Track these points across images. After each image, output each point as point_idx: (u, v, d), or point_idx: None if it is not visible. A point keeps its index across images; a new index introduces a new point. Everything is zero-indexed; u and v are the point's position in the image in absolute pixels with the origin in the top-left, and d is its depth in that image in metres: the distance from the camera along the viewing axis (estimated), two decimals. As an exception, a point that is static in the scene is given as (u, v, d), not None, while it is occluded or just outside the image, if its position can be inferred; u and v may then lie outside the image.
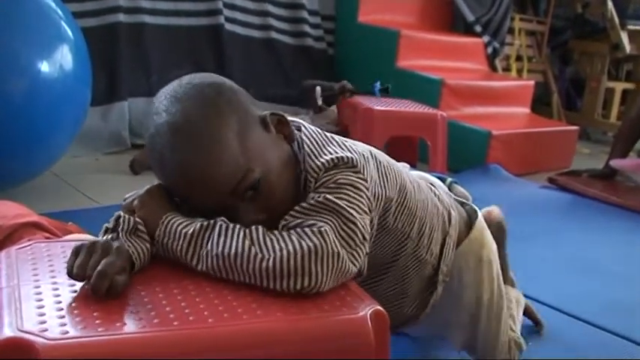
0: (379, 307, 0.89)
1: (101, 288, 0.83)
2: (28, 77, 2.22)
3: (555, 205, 3.20)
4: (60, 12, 2.38)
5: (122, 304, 0.84)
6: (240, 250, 0.89)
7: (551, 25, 5.26)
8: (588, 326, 1.86)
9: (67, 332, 0.76)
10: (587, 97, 5.23)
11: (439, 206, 1.28)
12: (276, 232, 0.93)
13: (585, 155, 4.44)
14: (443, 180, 1.79)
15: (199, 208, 0.98)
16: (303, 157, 1.03)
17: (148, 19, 3.48)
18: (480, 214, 1.40)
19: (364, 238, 0.96)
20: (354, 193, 0.99)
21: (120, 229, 0.94)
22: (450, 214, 1.30)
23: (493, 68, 4.65)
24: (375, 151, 1.14)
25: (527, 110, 4.30)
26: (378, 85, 3.40)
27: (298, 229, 0.92)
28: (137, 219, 0.96)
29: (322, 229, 0.91)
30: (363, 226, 0.96)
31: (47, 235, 1.34)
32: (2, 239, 1.28)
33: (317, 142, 1.04)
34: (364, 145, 1.13)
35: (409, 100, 3.35)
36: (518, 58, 5.04)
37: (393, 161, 1.18)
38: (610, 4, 4.94)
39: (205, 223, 0.93)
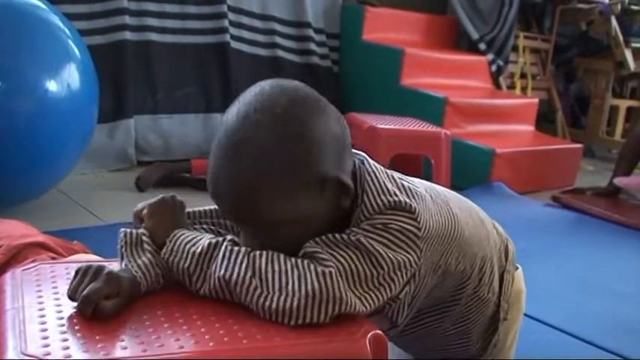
0: (378, 331, 0.89)
1: (84, 313, 0.84)
2: (36, 96, 2.23)
3: (559, 224, 3.20)
4: (67, 30, 2.40)
5: (125, 327, 0.84)
6: (241, 279, 0.89)
7: (556, 43, 5.27)
8: (591, 347, 1.86)
9: (69, 355, 0.77)
10: (592, 115, 5.23)
11: (497, 240, 1.23)
12: (282, 259, 0.90)
13: (590, 172, 4.44)
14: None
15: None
16: (362, 194, 0.97)
17: (154, 37, 3.51)
18: (519, 266, 1.37)
19: (390, 279, 0.92)
20: (401, 241, 0.94)
21: (123, 244, 0.95)
22: (507, 248, 1.26)
23: (497, 86, 4.66)
24: (433, 190, 1.09)
25: (531, 128, 4.30)
26: None
27: (306, 262, 0.89)
28: (143, 230, 0.96)
29: (327, 270, 0.88)
30: (391, 268, 0.92)
31: (52, 255, 1.34)
32: (8, 259, 1.29)
33: (378, 181, 0.98)
34: (423, 182, 1.09)
35: (413, 118, 3.36)
36: (523, 76, 5.05)
37: (448, 196, 1.13)
38: (614, 22, 4.95)
39: (213, 241, 0.93)
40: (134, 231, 0.96)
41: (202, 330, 0.85)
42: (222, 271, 0.90)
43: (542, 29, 5.34)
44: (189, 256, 0.92)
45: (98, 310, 0.84)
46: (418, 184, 1.05)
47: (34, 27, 2.30)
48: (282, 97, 0.93)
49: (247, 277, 0.88)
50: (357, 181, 0.99)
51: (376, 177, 0.99)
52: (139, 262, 0.92)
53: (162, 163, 3.12)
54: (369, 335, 0.88)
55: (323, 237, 0.93)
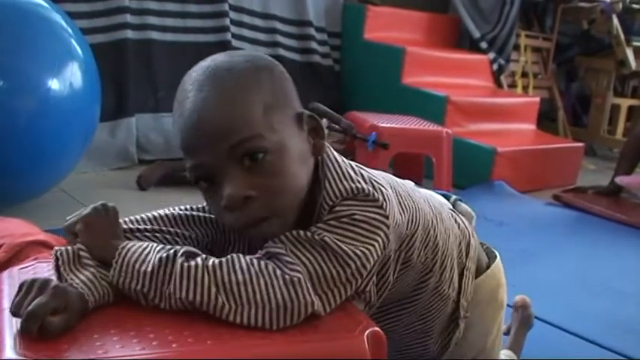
0: (376, 328, 0.88)
1: (30, 330, 0.78)
2: (38, 94, 2.23)
3: (560, 223, 3.20)
4: (69, 29, 2.40)
5: (122, 327, 0.84)
6: (206, 299, 0.84)
7: (557, 42, 5.27)
8: (593, 346, 1.86)
9: (67, 354, 0.76)
10: (593, 114, 5.24)
11: (459, 236, 1.21)
12: (244, 265, 0.87)
13: (591, 171, 4.44)
14: (447, 197, 1.78)
15: (193, 174, 0.93)
16: (324, 180, 0.96)
17: (155, 35, 3.51)
18: (498, 255, 1.33)
19: (350, 279, 0.90)
20: (368, 232, 0.93)
21: (60, 263, 0.87)
22: (468, 244, 1.23)
23: (499, 85, 4.67)
24: (394, 181, 1.08)
25: (532, 127, 4.30)
26: (374, 135, 3.11)
27: (271, 267, 0.87)
28: (80, 246, 0.89)
29: (294, 277, 0.86)
30: (359, 264, 0.90)
31: (54, 253, 1.35)
32: (10, 258, 1.30)
33: (340, 168, 0.98)
34: (384, 174, 1.07)
35: (414, 116, 3.36)
36: (524, 75, 5.05)
37: (411, 189, 1.12)
38: (616, 21, 4.95)
39: (164, 255, 0.86)
40: (69, 248, 0.89)
41: (185, 333, 0.83)
42: (184, 293, 0.85)
43: (543, 28, 5.34)
44: (141, 276, 0.86)
45: (45, 326, 0.78)
46: (377, 174, 1.04)
47: (36, 25, 2.30)
48: (256, 54, 0.99)
49: (212, 295, 0.85)
50: (319, 169, 0.99)
51: (338, 164, 0.99)
52: (82, 277, 0.86)
53: (163, 162, 3.12)
54: (366, 332, 0.87)
55: (287, 234, 0.91)
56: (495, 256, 1.32)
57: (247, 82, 0.92)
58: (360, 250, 0.91)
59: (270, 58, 1.00)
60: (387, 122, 3.14)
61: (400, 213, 1.00)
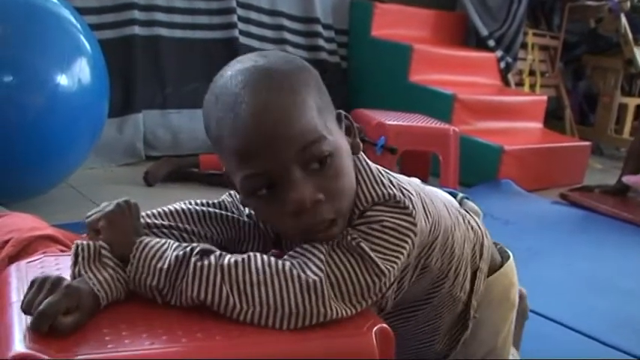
0: (384, 325, 0.89)
1: (40, 329, 0.77)
2: (46, 90, 2.24)
3: (567, 221, 3.20)
4: (78, 25, 2.41)
5: (132, 322, 0.84)
6: (217, 299, 0.85)
7: (565, 40, 5.26)
8: (599, 345, 1.86)
9: (77, 348, 0.77)
10: (600, 113, 5.22)
11: (473, 239, 1.19)
12: (260, 266, 0.86)
13: (598, 170, 4.43)
14: (454, 195, 1.79)
15: (253, 182, 0.89)
16: (356, 185, 0.95)
17: (163, 31, 3.51)
18: (511, 255, 1.32)
19: (380, 290, 0.90)
20: (397, 239, 0.92)
21: (80, 259, 0.86)
22: (482, 246, 1.22)
23: (506, 83, 4.66)
24: (418, 187, 1.06)
25: (539, 125, 4.29)
26: (382, 140, 3.14)
27: (288, 266, 0.87)
28: (101, 243, 0.89)
29: (311, 280, 0.86)
30: (386, 280, 0.90)
31: (61, 247, 1.36)
32: (18, 251, 1.30)
33: (372, 172, 0.97)
34: (409, 179, 1.06)
35: (421, 114, 3.36)
36: (531, 73, 5.04)
37: (434, 195, 1.11)
38: (624, 20, 4.94)
39: (180, 253, 0.86)
40: (91, 244, 0.88)
41: (195, 329, 0.84)
42: (195, 292, 0.85)
43: (551, 26, 5.32)
44: (157, 272, 0.86)
45: (56, 326, 0.78)
46: (403, 179, 1.03)
47: (44, 21, 2.31)
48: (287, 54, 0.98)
49: (224, 295, 0.85)
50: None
51: (369, 168, 0.98)
52: (100, 277, 0.85)
53: (170, 159, 3.13)
54: (374, 329, 0.88)
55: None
56: (509, 256, 1.31)
57: (299, 84, 0.90)
58: (389, 260, 0.91)
59: (298, 58, 0.98)
60: (393, 120, 3.13)
61: (425, 220, 0.99)
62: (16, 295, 0.87)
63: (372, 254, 0.90)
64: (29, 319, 0.79)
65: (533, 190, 3.59)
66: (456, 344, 1.23)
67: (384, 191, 0.95)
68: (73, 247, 0.88)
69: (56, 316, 0.78)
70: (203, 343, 0.81)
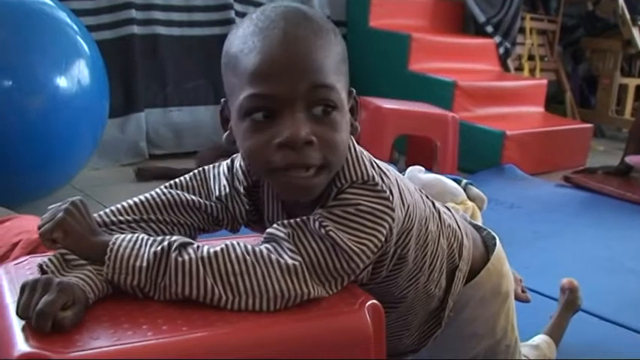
0: (375, 301, 0.90)
1: (43, 328, 0.77)
2: (47, 93, 2.25)
3: (571, 204, 3.20)
4: (75, 27, 2.42)
5: (133, 316, 0.84)
6: (202, 292, 0.85)
7: (562, 24, 5.25)
8: (607, 324, 1.87)
9: (82, 345, 0.77)
10: (601, 94, 5.22)
11: (448, 236, 1.17)
12: (240, 254, 0.87)
13: (600, 152, 4.43)
14: (458, 182, 1.79)
15: (256, 102, 0.90)
16: None
17: (161, 30, 3.52)
18: (498, 241, 1.29)
19: (354, 271, 0.91)
20: (372, 222, 0.92)
21: (50, 272, 0.86)
22: (461, 246, 1.19)
23: (505, 68, 4.65)
24: (397, 173, 1.06)
25: (540, 109, 4.29)
26: None
27: (266, 253, 0.88)
28: (62, 250, 0.88)
29: (291, 264, 0.87)
30: (363, 258, 0.91)
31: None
32: (28, 253, 1.31)
33: (356, 153, 0.98)
34: (387, 165, 1.06)
35: (422, 102, 3.36)
36: (531, 58, 5.03)
37: (410, 183, 1.10)
38: (621, 1, 4.93)
39: (158, 250, 0.86)
40: (52, 257, 0.88)
41: (206, 311, 0.85)
42: (180, 288, 0.85)
43: (548, 10, 5.31)
44: (136, 272, 0.86)
45: (58, 322, 0.78)
46: (383, 165, 1.03)
47: (42, 24, 2.32)
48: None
49: (208, 287, 0.85)
50: None
51: (355, 149, 0.98)
52: (81, 276, 0.85)
53: (163, 167, 3.07)
54: (366, 305, 0.89)
55: (294, 221, 0.92)
56: (494, 245, 1.28)
57: (330, 36, 0.94)
58: (364, 244, 0.91)
59: None
60: (391, 104, 3.12)
61: (400, 207, 0.99)
62: (11, 296, 0.86)
63: (344, 241, 0.90)
64: (32, 323, 0.79)
65: (536, 174, 3.60)
66: (426, 340, 1.22)
67: (364, 171, 0.95)
68: (37, 268, 0.87)
69: (56, 312, 0.78)
70: (204, 330, 0.82)
